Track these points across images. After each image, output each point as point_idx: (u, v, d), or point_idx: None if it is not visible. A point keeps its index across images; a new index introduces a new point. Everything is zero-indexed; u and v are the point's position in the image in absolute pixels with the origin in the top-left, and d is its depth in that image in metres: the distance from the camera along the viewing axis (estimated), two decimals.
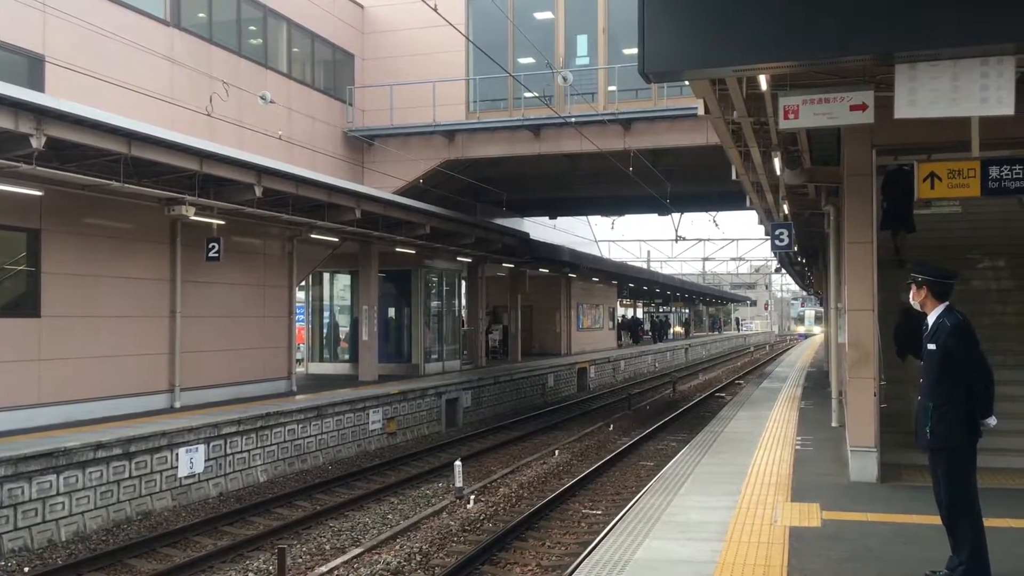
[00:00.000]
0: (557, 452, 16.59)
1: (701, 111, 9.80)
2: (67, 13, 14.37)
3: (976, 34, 5.22)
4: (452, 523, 11.08)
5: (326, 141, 21.51)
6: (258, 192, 14.09)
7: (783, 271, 48.23)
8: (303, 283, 21.97)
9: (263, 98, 18.14)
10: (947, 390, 5.48)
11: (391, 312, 23.34)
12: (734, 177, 13.66)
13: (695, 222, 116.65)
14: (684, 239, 47.45)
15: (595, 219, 46.17)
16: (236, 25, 19.19)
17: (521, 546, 10.15)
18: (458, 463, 12.96)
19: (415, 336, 22.98)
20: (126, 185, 12.32)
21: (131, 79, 15.47)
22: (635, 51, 5.76)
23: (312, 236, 18.04)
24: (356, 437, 16.35)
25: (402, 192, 20.95)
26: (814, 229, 17.93)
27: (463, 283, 26.65)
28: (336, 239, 18.91)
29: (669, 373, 38.92)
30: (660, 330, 57.37)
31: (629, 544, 6.62)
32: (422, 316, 22.97)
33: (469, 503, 12.14)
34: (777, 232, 14.09)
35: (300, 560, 9.67)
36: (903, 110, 5.81)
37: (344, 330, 23.65)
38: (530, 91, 20.40)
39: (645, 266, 59.63)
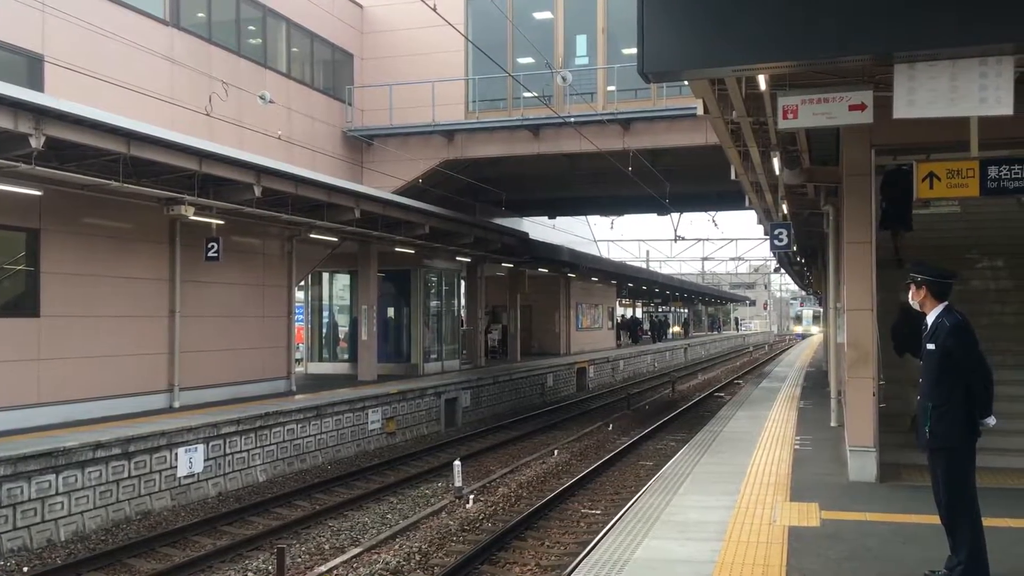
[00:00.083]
0: (556, 452, 16.60)
1: (700, 111, 9.81)
2: (66, 13, 14.37)
3: (975, 34, 5.23)
4: (451, 523, 11.08)
5: (325, 141, 21.51)
6: (257, 192, 14.09)
7: (782, 271, 48.26)
8: (302, 283, 21.97)
9: (262, 98, 18.13)
10: (946, 390, 5.49)
11: (390, 312, 23.35)
12: (733, 177, 13.67)
13: (694, 222, 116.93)
14: (683, 239, 47.47)
15: (594, 219, 46.20)
16: (235, 25, 19.18)
17: (520, 546, 10.15)
18: (457, 463, 12.96)
19: (414, 336, 22.98)
20: (125, 185, 12.32)
21: (130, 79, 15.47)
22: (634, 51, 5.75)
23: (311, 236, 18.05)
24: (355, 437, 16.35)
25: (401, 192, 20.94)
26: (813, 229, 17.94)
27: (462, 283, 26.65)
28: (335, 239, 18.91)
29: (668, 373, 38.92)
30: (659, 330, 57.41)
31: (628, 544, 6.62)
32: (421, 316, 22.97)
33: (468, 503, 12.14)
34: (776, 232, 14.10)
35: (299, 560, 9.67)
36: (902, 110, 5.81)
37: (343, 330, 23.65)
38: (529, 91, 20.40)
39: (644, 266, 59.62)
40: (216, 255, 15.10)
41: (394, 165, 22.00)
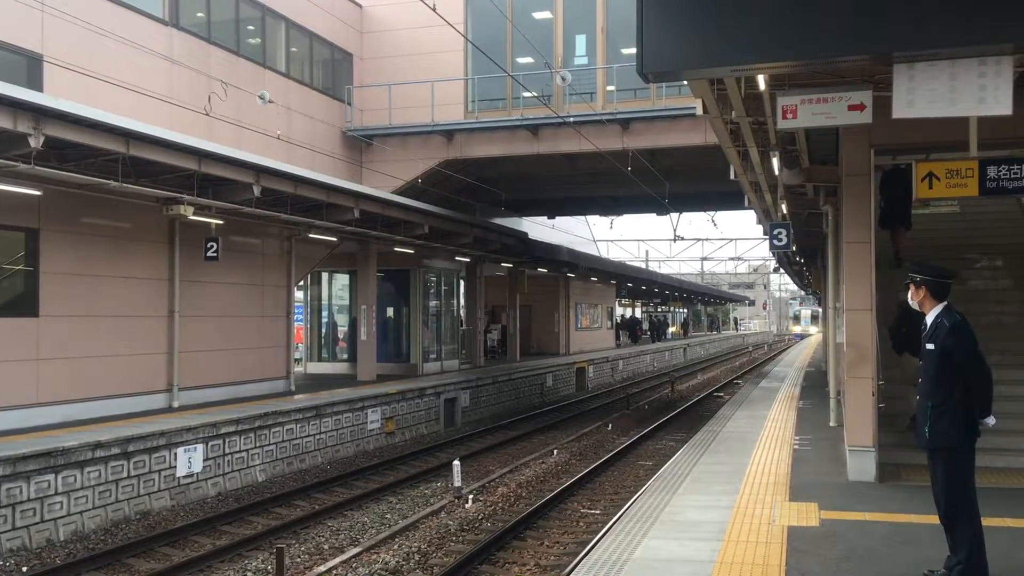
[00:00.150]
0: (556, 452, 16.60)
1: (699, 111, 9.81)
2: (66, 13, 14.36)
3: (974, 34, 5.23)
4: (450, 523, 11.08)
5: (325, 141, 21.50)
6: (256, 192, 14.09)
7: (781, 271, 48.25)
8: (301, 283, 21.96)
9: (261, 98, 18.14)
10: (946, 390, 5.49)
11: (389, 312, 23.36)
12: (732, 177, 13.67)
13: (693, 222, 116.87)
14: (682, 239, 47.41)
15: (594, 219, 46.25)
16: (235, 25, 19.19)
17: (520, 546, 10.15)
18: (456, 463, 12.97)
19: (413, 336, 22.98)
20: (124, 185, 12.31)
21: (130, 79, 15.47)
22: (634, 51, 5.76)
23: (311, 236, 18.05)
24: (354, 437, 16.35)
25: (401, 192, 20.95)
26: (812, 229, 17.93)
27: (461, 283, 26.65)
28: (335, 239, 18.91)
29: (667, 373, 38.92)
30: (658, 330, 57.43)
31: (627, 543, 6.62)
32: (420, 316, 22.97)
33: (467, 503, 12.14)
34: (775, 232, 14.09)
35: (298, 560, 9.67)
36: (901, 110, 5.81)
37: (342, 330, 23.66)
38: (529, 91, 20.42)
39: (644, 266, 59.62)
40: (215, 255, 15.10)
41: (393, 165, 22.00)
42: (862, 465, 8.81)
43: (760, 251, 63.55)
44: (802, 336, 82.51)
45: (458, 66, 22.11)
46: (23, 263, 12.49)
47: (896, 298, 9.79)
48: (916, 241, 12.52)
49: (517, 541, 10.28)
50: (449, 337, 24.90)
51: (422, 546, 9.94)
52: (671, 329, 65.48)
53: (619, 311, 51.65)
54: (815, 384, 20.13)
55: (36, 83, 13.86)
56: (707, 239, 60.51)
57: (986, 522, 5.53)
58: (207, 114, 17.11)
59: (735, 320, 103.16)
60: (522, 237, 26.58)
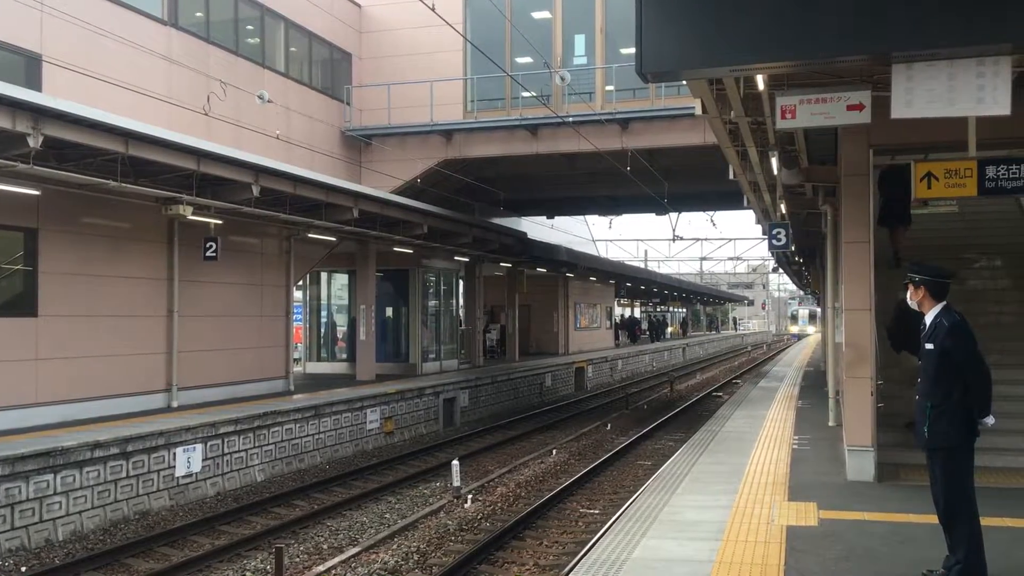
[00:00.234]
0: (555, 451, 16.60)
1: (698, 111, 9.82)
2: (65, 12, 14.36)
3: (973, 34, 5.23)
4: (450, 522, 11.08)
5: (324, 140, 21.50)
6: (255, 191, 14.08)
7: (780, 271, 48.27)
8: (301, 282, 21.96)
9: (260, 97, 18.13)
10: (945, 390, 5.49)
11: (389, 311, 23.36)
12: (731, 177, 13.67)
13: (692, 222, 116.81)
14: (681, 239, 47.45)
15: (593, 219, 46.22)
16: (234, 24, 19.19)
17: (519, 545, 10.15)
18: (455, 462, 12.97)
19: (413, 335, 22.98)
20: (123, 184, 12.31)
21: (129, 78, 15.46)
22: (632, 51, 5.76)
23: (310, 235, 18.05)
24: (353, 436, 16.35)
25: (400, 191, 20.94)
26: (811, 229, 17.94)
27: (460, 282, 26.66)
28: (334, 238, 18.91)
29: (666, 372, 38.93)
30: (658, 330, 57.44)
31: (626, 543, 6.62)
32: (419, 315, 22.97)
33: (467, 502, 12.14)
34: (774, 232, 14.10)
35: (297, 560, 9.66)
36: (900, 110, 5.81)
37: (341, 329, 23.66)
38: (528, 91, 20.41)
39: (643, 266, 59.63)
40: (214, 255, 15.10)
41: (392, 165, 22.00)
42: (861, 465, 8.82)
43: (759, 251, 63.61)
44: (799, 336, 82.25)
45: (457, 66, 22.11)
46: (22, 263, 12.49)
47: (895, 298, 9.78)
48: (915, 241, 12.53)
49: (516, 541, 10.29)
50: (448, 337, 24.90)
51: (421, 546, 9.94)
52: (670, 329, 65.47)
53: (618, 311, 51.65)
54: (814, 384, 20.14)
55: (35, 83, 13.86)
56: (706, 239, 60.46)
57: (985, 522, 5.53)
58: (206, 114, 17.10)
59: (734, 320, 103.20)
60: (521, 237, 26.59)
